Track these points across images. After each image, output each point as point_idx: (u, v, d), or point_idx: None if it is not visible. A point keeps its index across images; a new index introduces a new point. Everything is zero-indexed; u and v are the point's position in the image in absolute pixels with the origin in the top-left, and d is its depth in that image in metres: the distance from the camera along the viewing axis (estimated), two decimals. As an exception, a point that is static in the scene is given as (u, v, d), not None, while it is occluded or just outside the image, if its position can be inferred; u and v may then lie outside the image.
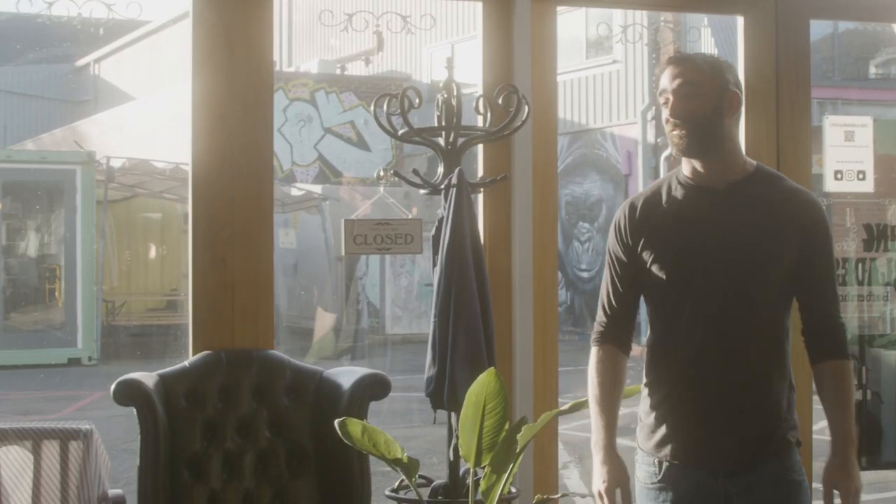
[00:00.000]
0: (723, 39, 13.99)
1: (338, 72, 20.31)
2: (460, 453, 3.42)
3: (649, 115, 15.47)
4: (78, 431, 3.92)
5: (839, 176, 5.08)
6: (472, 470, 3.42)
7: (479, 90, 4.44)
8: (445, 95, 4.04)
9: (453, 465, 4.03)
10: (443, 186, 4.01)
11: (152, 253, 18.17)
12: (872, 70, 17.73)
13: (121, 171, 15.64)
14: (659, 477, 3.10)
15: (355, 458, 3.99)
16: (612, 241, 3.22)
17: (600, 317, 3.23)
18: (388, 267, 15.84)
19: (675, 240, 3.07)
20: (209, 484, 4.02)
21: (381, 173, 4.52)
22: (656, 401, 3.12)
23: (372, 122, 21.22)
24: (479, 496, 3.46)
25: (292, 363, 4.25)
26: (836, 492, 3.01)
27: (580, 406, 3.33)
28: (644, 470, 3.15)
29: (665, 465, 3.09)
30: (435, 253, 3.99)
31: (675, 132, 3.03)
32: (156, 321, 16.82)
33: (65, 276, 15.25)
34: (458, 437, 3.87)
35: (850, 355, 3.11)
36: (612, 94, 16.77)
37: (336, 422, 3.38)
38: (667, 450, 3.07)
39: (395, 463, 3.36)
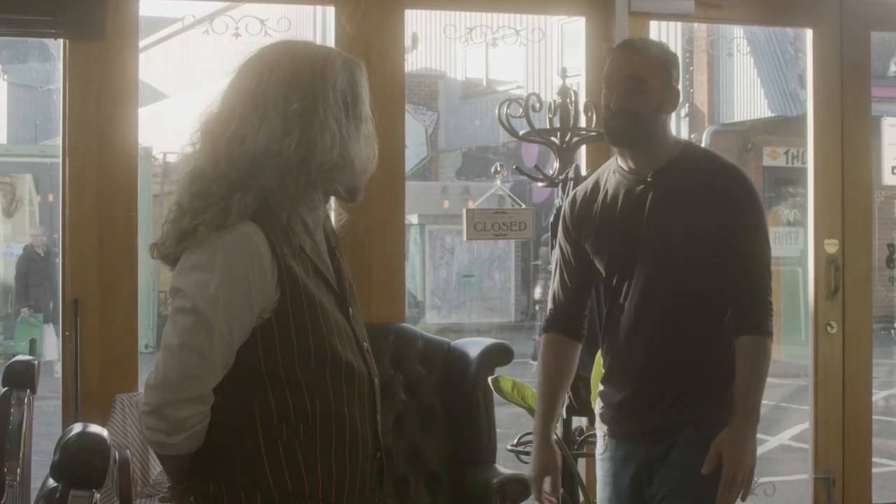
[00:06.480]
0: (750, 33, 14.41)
1: (373, 69, 20.69)
2: (592, 407, 3.98)
3: (682, 113, 15.93)
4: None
5: None
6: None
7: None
8: (560, 100, 4.60)
9: (566, 423, 4.57)
10: (559, 179, 4.57)
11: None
12: (893, 68, 18.20)
13: (174, 167, 16.16)
14: (602, 450, 3.25)
15: (483, 418, 4.53)
16: (559, 234, 3.34)
17: (549, 305, 3.33)
18: (427, 259, 16.35)
19: (606, 230, 3.17)
20: (354, 440, 4.57)
21: (499, 168, 5.04)
22: (603, 376, 3.28)
23: (408, 118, 21.36)
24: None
25: (423, 335, 4.80)
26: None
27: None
28: (598, 442, 3.30)
29: (606, 438, 3.23)
30: (553, 237, 4.54)
31: (614, 122, 3.06)
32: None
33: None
34: (571, 398, 4.44)
35: (769, 333, 3.05)
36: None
37: (490, 379, 3.95)
38: (605, 426, 3.23)
39: (539, 413, 3.92)
